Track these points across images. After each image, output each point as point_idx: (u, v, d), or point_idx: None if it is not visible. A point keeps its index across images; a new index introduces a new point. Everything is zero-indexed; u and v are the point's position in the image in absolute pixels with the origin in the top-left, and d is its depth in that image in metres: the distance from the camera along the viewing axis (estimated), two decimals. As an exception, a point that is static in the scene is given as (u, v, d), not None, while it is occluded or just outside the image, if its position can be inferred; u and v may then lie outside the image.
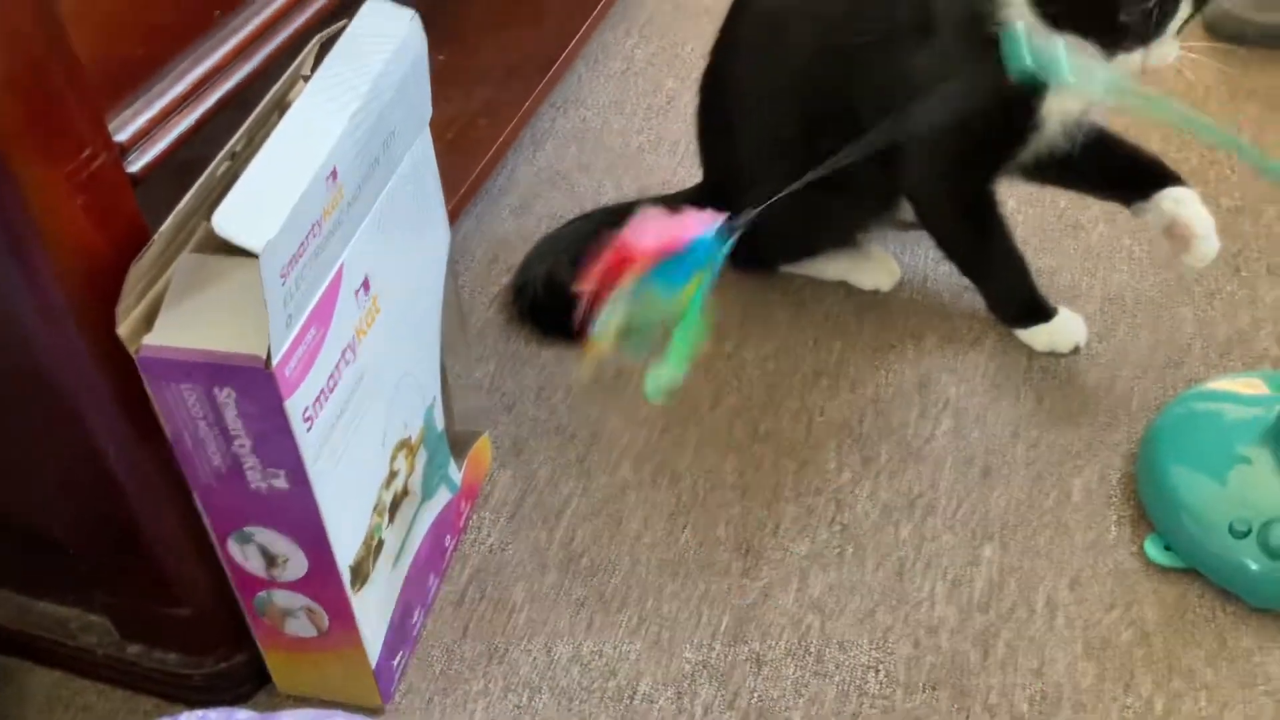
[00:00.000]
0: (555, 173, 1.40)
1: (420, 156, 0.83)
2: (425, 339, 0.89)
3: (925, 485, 1.02)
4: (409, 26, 0.77)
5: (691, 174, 1.33)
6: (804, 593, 0.95)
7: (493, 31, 1.46)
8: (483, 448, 1.04)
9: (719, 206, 1.20)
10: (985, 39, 0.95)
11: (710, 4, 1.65)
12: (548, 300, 1.18)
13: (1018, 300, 1.13)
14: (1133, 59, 0.93)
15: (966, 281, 1.18)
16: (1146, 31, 0.92)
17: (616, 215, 1.26)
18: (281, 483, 0.73)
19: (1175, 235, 1.06)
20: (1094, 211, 1.26)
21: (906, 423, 1.08)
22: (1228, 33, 1.49)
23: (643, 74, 1.54)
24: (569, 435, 1.09)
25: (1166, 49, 0.94)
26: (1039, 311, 1.12)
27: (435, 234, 0.89)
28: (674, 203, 1.27)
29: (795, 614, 0.94)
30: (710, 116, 1.21)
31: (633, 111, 1.48)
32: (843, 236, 1.19)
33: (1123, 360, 1.11)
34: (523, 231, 1.31)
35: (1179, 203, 1.05)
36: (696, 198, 1.25)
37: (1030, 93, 0.99)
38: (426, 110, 0.83)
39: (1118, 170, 1.09)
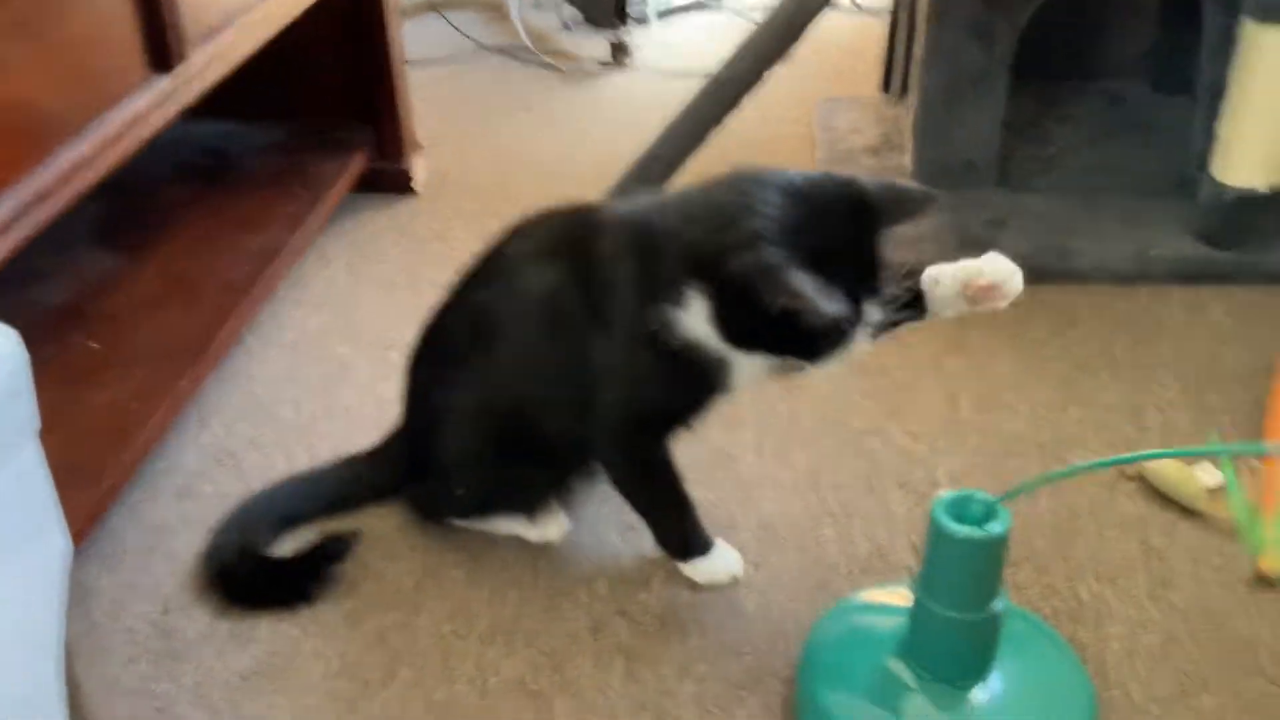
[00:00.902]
0: (223, 451, 1.37)
1: (23, 471, 0.79)
2: (38, 663, 0.83)
3: (601, 738, 1.02)
4: (2, 345, 0.75)
5: (366, 438, 1.34)
6: None
7: (150, 313, 1.45)
8: (128, 765, 0.96)
9: (415, 459, 1.21)
10: (661, 342, 1.02)
11: (382, 274, 1.72)
12: (239, 567, 1.16)
13: (682, 538, 1.18)
14: (831, 363, 1.00)
15: (632, 520, 1.23)
16: (844, 342, 0.99)
17: (311, 484, 1.25)
18: None
19: (978, 293, 1.06)
20: (746, 442, 1.36)
21: (582, 673, 1.08)
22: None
23: (315, 343, 1.56)
24: (230, 735, 1.03)
25: (862, 347, 1.00)
26: (700, 547, 1.17)
27: (48, 547, 0.84)
28: (370, 459, 1.27)
29: None
30: (419, 382, 1.22)
31: (305, 381, 1.48)
32: (535, 503, 1.22)
33: (777, 585, 1.17)
34: (187, 516, 1.26)
35: (953, 276, 1.05)
36: (386, 451, 1.26)
37: (711, 375, 1.04)
38: (29, 424, 0.80)
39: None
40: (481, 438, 1.16)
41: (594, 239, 1.08)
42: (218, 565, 1.16)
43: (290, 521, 1.22)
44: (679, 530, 1.18)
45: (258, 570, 1.17)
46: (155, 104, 1.22)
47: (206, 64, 1.31)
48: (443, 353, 1.18)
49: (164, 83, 1.24)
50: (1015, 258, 1.66)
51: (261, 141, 1.87)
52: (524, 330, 1.11)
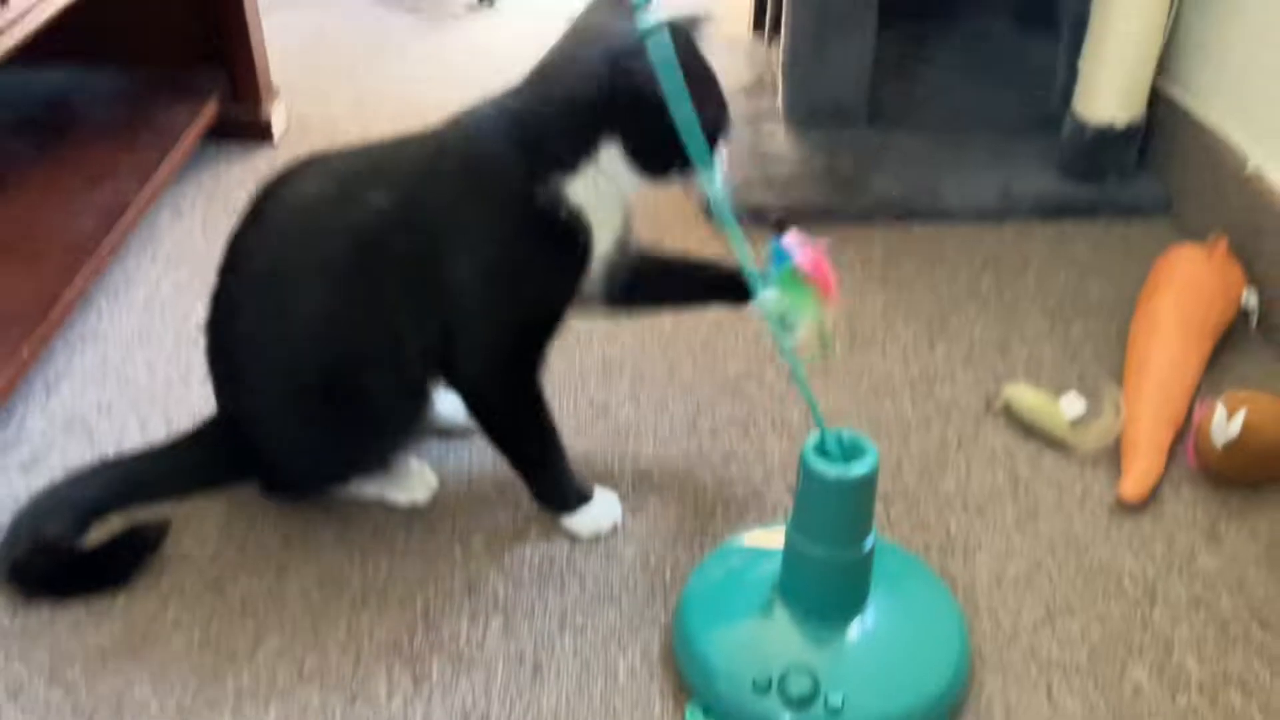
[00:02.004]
0: (72, 418, 1.30)
1: None
2: None
3: (479, 695, 1.01)
4: None
5: (226, 401, 1.29)
6: (356, 842, 0.89)
7: (-16, 276, 1.36)
8: (-27, 754, 0.91)
9: (237, 441, 1.15)
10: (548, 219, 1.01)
11: (235, 226, 1.64)
12: (35, 560, 1.08)
13: (561, 488, 1.16)
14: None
15: (508, 475, 1.21)
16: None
17: (120, 470, 1.18)
18: None
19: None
20: (623, 392, 1.34)
21: (457, 631, 1.06)
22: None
23: (170, 302, 1.49)
24: (88, 715, 0.98)
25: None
26: (579, 497, 1.16)
27: None
28: (188, 445, 1.20)
29: None
30: (220, 363, 1.16)
31: (159, 343, 1.41)
32: (375, 461, 1.17)
33: (655, 532, 1.16)
34: (35, 490, 1.19)
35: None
36: (206, 436, 1.20)
37: (582, 248, 1.04)
38: None
39: (696, 286, 1.18)
40: (300, 410, 1.09)
41: (423, 159, 1.05)
42: (9, 560, 1.08)
43: (94, 511, 1.13)
44: (557, 480, 1.16)
45: (56, 564, 1.09)
46: (-25, 48, 1.14)
47: (31, 3, 1.22)
48: (236, 323, 1.11)
49: (-16, 25, 1.15)
50: (887, 199, 1.69)
51: (106, 89, 1.77)
52: (328, 279, 1.05)
